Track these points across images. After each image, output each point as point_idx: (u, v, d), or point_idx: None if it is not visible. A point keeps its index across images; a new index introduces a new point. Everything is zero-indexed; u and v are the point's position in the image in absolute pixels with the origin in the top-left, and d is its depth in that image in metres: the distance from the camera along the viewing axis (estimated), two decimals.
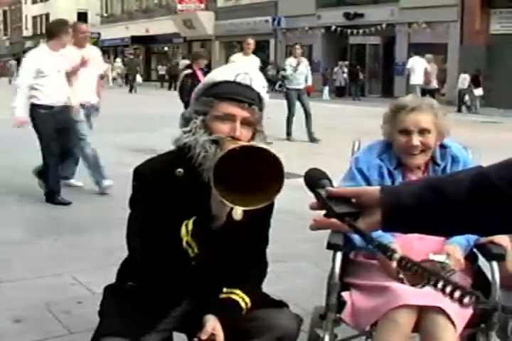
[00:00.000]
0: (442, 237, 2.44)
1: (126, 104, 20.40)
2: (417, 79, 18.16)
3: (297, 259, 4.52)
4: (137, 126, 12.99)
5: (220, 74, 2.11)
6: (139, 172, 2.08)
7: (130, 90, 30.21)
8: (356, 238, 2.46)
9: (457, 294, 0.95)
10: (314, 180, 1.27)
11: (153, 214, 2.01)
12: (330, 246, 2.43)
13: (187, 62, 13.10)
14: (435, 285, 0.98)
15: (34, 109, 6.12)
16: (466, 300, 0.94)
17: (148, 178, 2.04)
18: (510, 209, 1.09)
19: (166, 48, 43.29)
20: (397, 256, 1.07)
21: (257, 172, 1.67)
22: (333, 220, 1.19)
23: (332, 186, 1.25)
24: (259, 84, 2.10)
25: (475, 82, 21.24)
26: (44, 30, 7.35)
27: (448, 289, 0.96)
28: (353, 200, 1.20)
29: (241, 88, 2.03)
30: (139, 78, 32.37)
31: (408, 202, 1.14)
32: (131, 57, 37.08)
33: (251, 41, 10.58)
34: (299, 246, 4.78)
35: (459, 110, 20.35)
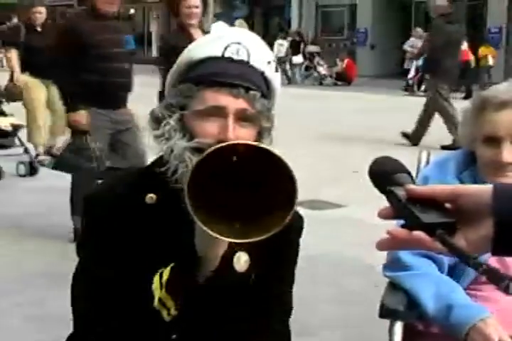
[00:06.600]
0: None
1: None
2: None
3: (322, 329, 3.10)
4: None
5: (201, 46, 1.43)
6: (90, 203, 1.47)
7: None
8: (427, 304, 1.68)
9: None
10: (386, 173, 0.91)
11: (111, 265, 1.38)
12: (384, 312, 1.70)
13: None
14: None
15: None
16: None
17: (105, 211, 1.42)
18: None
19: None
20: None
21: (256, 189, 1.17)
22: (417, 234, 0.83)
23: (414, 183, 0.90)
24: (262, 58, 1.42)
25: (294, 48, 19.15)
26: None
27: None
28: (448, 205, 0.86)
29: (233, 66, 1.37)
30: None
31: None
32: None
33: None
34: (322, 309, 3.36)
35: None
